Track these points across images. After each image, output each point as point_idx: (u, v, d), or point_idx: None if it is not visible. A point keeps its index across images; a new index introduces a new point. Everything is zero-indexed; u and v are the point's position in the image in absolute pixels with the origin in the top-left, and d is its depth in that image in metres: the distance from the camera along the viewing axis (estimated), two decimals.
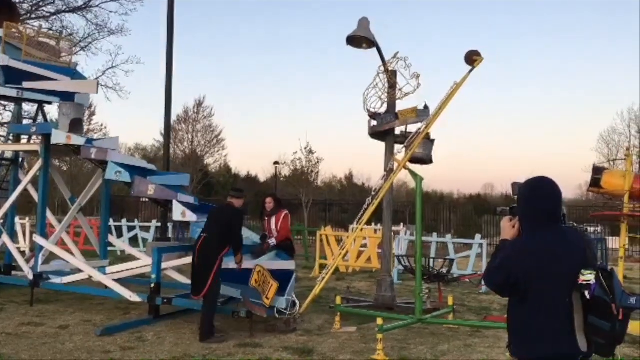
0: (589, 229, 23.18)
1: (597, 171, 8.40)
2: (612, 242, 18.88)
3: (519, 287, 2.66)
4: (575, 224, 3.22)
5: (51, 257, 9.81)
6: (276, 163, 37.64)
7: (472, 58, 7.86)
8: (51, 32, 17.81)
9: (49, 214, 9.96)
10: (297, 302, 7.56)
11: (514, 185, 3.00)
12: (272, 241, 8.52)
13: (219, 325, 7.52)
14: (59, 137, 8.58)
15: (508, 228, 2.89)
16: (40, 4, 19.88)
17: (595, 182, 8.34)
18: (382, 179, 8.33)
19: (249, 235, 8.95)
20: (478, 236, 14.35)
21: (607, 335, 2.54)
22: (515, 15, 73.58)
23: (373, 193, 7.96)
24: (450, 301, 8.14)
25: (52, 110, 16.66)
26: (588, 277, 2.54)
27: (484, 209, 34.15)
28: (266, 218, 8.76)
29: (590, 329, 2.59)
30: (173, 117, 30.65)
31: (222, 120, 67.59)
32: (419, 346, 6.82)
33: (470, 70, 7.89)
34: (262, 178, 50.40)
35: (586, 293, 2.53)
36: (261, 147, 75.25)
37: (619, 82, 69.83)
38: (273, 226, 8.64)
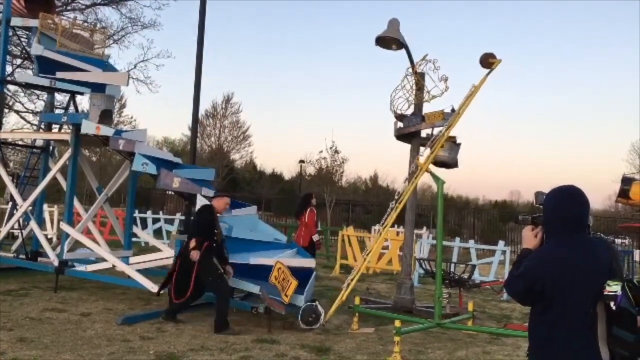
0: (616, 240, 22.69)
1: (626, 182, 8.19)
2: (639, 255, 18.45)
3: (541, 296, 2.62)
4: (602, 235, 3.15)
5: (77, 245, 9.99)
6: (301, 161, 37.73)
7: (488, 61, 7.75)
8: (85, 24, 18.11)
9: (76, 202, 10.15)
10: (322, 311, 7.45)
11: (537, 194, 2.95)
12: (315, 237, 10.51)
13: (237, 319, 7.57)
14: (89, 127, 8.72)
15: (530, 237, 2.85)
16: None
17: (623, 193, 8.13)
18: (405, 182, 8.27)
19: (272, 233, 8.99)
20: (501, 243, 14.16)
21: (631, 347, 2.49)
22: (546, 20, 72.50)
23: (397, 196, 7.92)
24: (470, 307, 8.06)
25: (84, 101, 16.94)
26: (614, 287, 2.49)
27: (509, 216, 33.67)
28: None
29: (614, 340, 2.54)
30: (201, 112, 31.08)
31: (250, 117, 67.92)
32: (436, 350, 6.77)
33: (488, 73, 7.79)
34: (287, 176, 50.55)
35: (612, 304, 2.48)
36: (287, 145, 75.51)
37: None
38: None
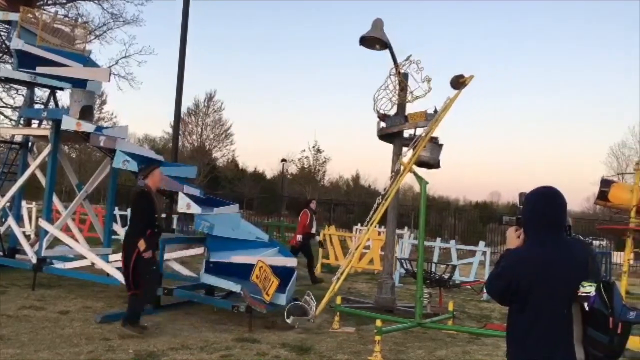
0: (594, 242, 23.03)
1: (605, 184, 8.34)
2: (617, 257, 18.75)
3: (519, 296, 2.65)
4: (580, 237, 3.19)
5: (55, 242, 9.86)
6: (283, 160, 37.72)
7: (459, 82, 7.88)
8: (67, 19, 17.89)
9: (55, 199, 10.01)
10: (314, 303, 7.29)
11: (521, 195, 2.99)
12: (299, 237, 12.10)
13: (218, 318, 7.54)
14: (69, 123, 8.62)
15: (513, 238, 2.88)
16: None
17: (602, 195, 8.28)
18: (390, 180, 8.30)
19: (254, 231, 8.97)
20: (482, 243, 14.30)
21: (605, 348, 2.52)
22: (526, 22, 73.21)
23: (383, 193, 7.92)
24: (450, 307, 8.12)
25: (64, 97, 16.76)
26: (588, 289, 2.53)
27: (490, 217, 34.04)
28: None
29: (588, 341, 2.57)
30: (183, 110, 30.84)
31: (232, 115, 67.66)
32: (417, 350, 6.80)
33: (462, 88, 7.90)
34: (269, 175, 50.47)
35: (585, 305, 2.52)
36: (269, 144, 75.37)
37: (632, 97, 69.46)
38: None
